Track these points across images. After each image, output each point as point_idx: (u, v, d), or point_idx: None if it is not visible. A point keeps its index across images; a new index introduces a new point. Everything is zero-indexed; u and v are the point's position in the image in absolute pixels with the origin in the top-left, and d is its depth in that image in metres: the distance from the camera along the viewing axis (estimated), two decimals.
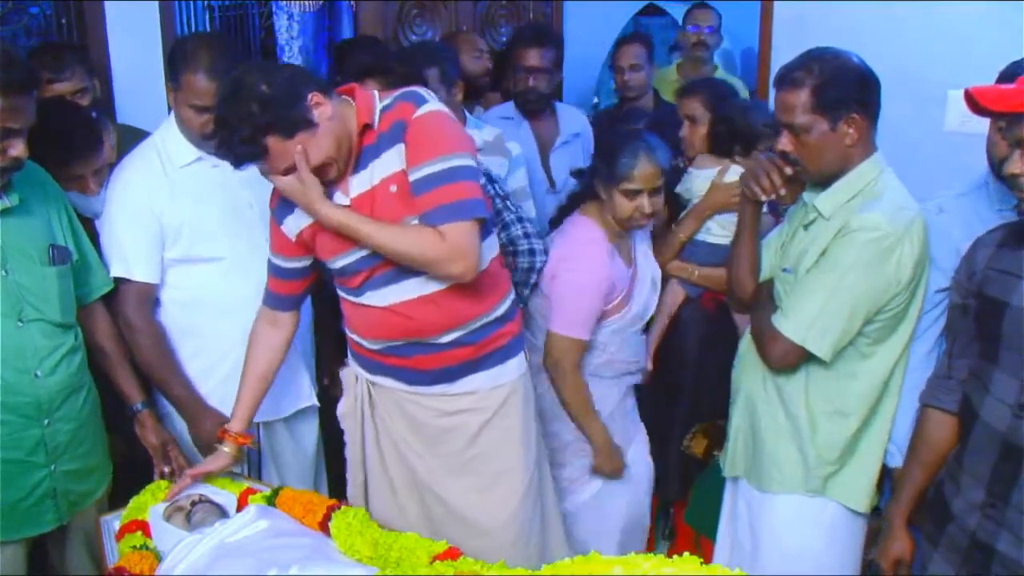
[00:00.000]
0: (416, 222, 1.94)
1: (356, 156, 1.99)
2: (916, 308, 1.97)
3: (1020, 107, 1.60)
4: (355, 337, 2.16)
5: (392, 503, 2.19)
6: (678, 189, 2.82)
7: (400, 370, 2.11)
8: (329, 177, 1.96)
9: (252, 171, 2.36)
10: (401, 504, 2.18)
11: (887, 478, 2.10)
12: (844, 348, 1.96)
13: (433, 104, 1.96)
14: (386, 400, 2.16)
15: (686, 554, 1.45)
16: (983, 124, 1.98)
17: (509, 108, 3.45)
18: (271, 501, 2.04)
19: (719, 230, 2.77)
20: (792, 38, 3.13)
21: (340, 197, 2.00)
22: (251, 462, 2.41)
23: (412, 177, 1.92)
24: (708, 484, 2.61)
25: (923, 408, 1.93)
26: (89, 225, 2.27)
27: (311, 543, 1.88)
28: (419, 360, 2.08)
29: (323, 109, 1.90)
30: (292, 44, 4.03)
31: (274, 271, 2.19)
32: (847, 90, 1.91)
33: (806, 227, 2.04)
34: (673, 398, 2.88)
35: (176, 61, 2.23)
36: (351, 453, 2.27)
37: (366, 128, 1.98)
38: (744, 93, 3.70)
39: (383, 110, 1.98)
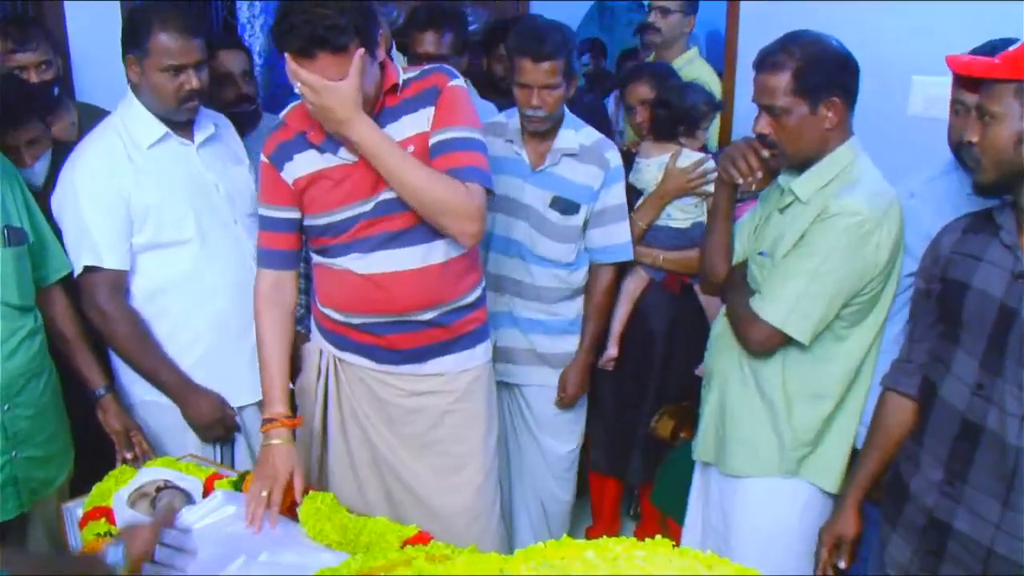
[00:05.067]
0: None
1: (375, 115, 1.96)
2: (890, 292, 1.99)
3: (984, 72, 1.65)
4: (328, 311, 2.12)
5: (353, 482, 2.17)
6: (631, 180, 2.84)
7: (372, 348, 2.10)
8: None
9: (216, 152, 2.34)
10: (361, 484, 2.18)
11: (856, 459, 2.13)
12: (821, 332, 1.97)
13: (462, 79, 2.04)
14: (351, 377, 2.15)
15: (657, 537, 1.46)
16: (946, 109, 2.01)
17: None
18: (238, 486, 2.02)
19: (680, 214, 2.78)
20: (759, 22, 3.15)
21: (344, 154, 1.98)
22: (224, 447, 2.38)
23: (441, 136, 1.96)
24: (675, 466, 2.62)
25: (883, 391, 1.96)
26: (41, 202, 2.19)
27: (280, 529, 1.87)
28: (394, 339, 2.07)
29: (381, 51, 1.92)
30: (254, 23, 3.98)
31: (272, 225, 2.09)
32: (828, 74, 1.92)
33: (782, 211, 2.04)
34: (639, 380, 2.89)
35: (139, 27, 2.16)
36: (303, 430, 2.22)
37: (391, 90, 1.98)
38: (713, 77, 3.69)
39: (411, 79, 2.01)
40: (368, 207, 1.99)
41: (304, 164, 2.01)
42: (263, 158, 2.07)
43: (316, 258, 2.12)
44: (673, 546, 1.42)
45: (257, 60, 3.95)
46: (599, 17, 5.43)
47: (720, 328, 2.18)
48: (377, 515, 1.96)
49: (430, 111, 1.97)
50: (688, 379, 2.71)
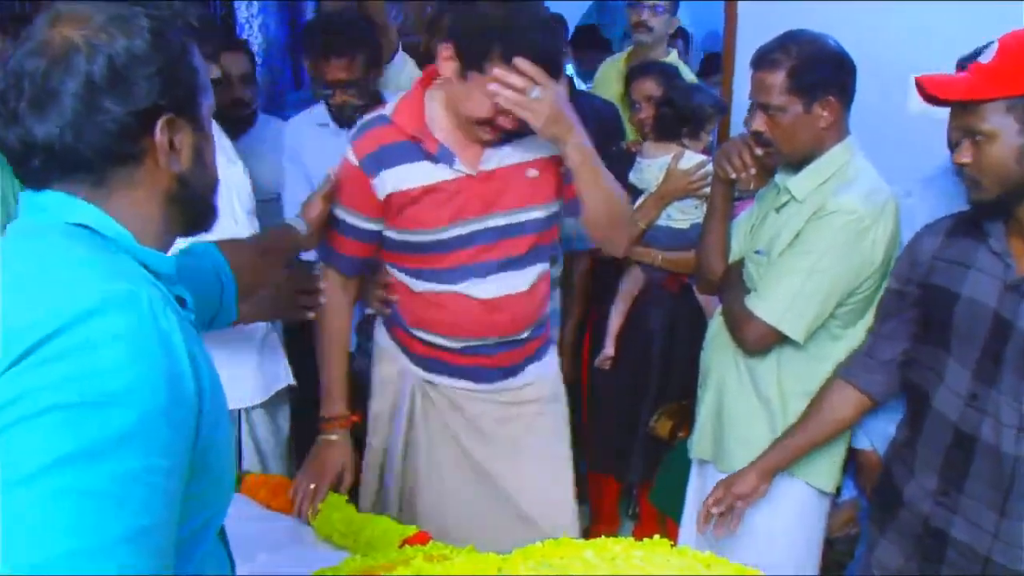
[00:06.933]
0: (540, 213, 1.95)
1: None
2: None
3: (966, 95, 1.61)
4: (424, 335, 2.02)
5: (441, 504, 2.08)
6: (631, 179, 2.83)
7: (475, 369, 2.03)
8: (491, 136, 1.86)
9: (220, 151, 2.32)
10: (452, 505, 2.08)
11: (851, 459, 2.14)
12: (816, 330, 1.98)
13: None
14: (441, 398, 2.06)
15: (656, 537, 1.46)
16: (945, 109, 2.01)
17: (323, 113, 2.79)
18: (236, 487, 2.01)
19: (679, 215, 2.78)
20: (756, 22, 3.14)
21: (461, 167, 1.89)
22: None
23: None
24: (673, 466, 2.62)
25: (834, 379, 1.96)
26: None
27: (280, 528, 1.86)
28: (501, 357, 2.03)
29: None
30: (252, 22, 3.97)
31: (352, 233, 1.97)
32: (823, 73, 1.92)
33: (778, 210, 2.05)
34: (638, 380, 2.89)
35: None
36: (374, 457, 2.14)
37: None
38: (692, 78, 3.67)
39: None
40: (479, 227, 1.91)
41: (415, 175, 1.89)
42: (353, 159, 1.92)
43: (411, 282, 2.00)
44: (672, 546, 1.43)
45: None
46: (598, 16, 5.43)
47: (716, 326, 2.19)
48: (471, 536, 1.80)
49: None
50: (686, 379, 2.71)
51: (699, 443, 2.22)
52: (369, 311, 2.13)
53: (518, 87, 1.72)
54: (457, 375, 2.04)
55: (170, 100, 0.97)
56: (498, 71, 1.72)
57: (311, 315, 2.13)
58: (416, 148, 1.88)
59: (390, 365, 2.10)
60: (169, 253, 1.05)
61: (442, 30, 3.35)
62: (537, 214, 1.96)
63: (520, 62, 1.72)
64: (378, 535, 1.78)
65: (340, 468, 1.97)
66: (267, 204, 2.91)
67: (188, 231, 1.09)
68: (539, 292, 2.03)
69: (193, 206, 1.06)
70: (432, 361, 2.04)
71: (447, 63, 1.80)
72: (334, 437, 2.00)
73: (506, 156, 1.91)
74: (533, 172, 1.92)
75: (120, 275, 0.89)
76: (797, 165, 2.01)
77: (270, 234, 1.77)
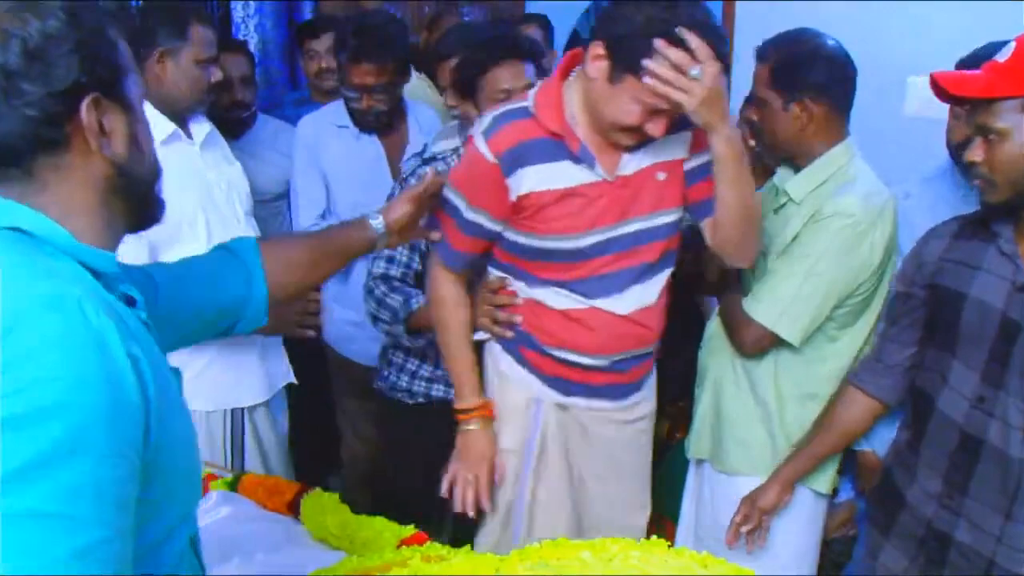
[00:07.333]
0: (671, 217, 1.85)
1: None
2: (882, 293, 1.99)
3: (982, 92, 1.60)
4: (565, 354, 1.90)
5: (564, 516, 1.99)
6: None
7: (612, 387, 1.95)
8: (631, 142, 1.75)
9: (214, 152, 2.32)
10: (569, 518, 2.01)
11: (850, 461, 2.13)
12: (813, 333, 1.98)
13: None
14: (571, 424, 1.96)
15: (653, 537, 1.46)
16: (943, 109, 2.00)
17: (341, 113, 2.78)
18: (233, 487, 2.01)
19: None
20: (754, 22, 3.15)
21: (600, 171, 1.77)
22: (235, 449, 2.36)
23: (697, 162, 1.83)
24: (670, 465, 2.62)
25: (844, 385, 1.96)
26: None
27: (277, 529, 1.86)
28: (637, 371, 1.96)
29: None
30: (248, 22, 3.97)
31: (474, 231, 1.84)
32: (802, 74, 1.91)
33: (776, 211, 2.04)
34: None
35: (177, 19, 2.12)
36: (507, 495, 1.97)
37: None
38: None
39: None
40: (615, 233, 1.81)
41: (555, 176, 1.76)
42: (489, 156, 1.76)
43: (548, 298, 1.88)
44: (669, 546, 1.43)
45: None
46: (594, 19, 5.42)
47: (713, 327, 2.18)
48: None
49: (687, 136, 1.80)
50: (684, 379, 2.70)
51: (697, 443, 2.22)
52: (480, 336, 2.00)
53: (676, 61, 1.58)
54: (595, 395, 1.95)
55: (92, 78, 0.93)
56: (660, 43, 1.58)
57: (311, 333, 2.18)
58: (558, 146, 1.76)
59: (519, 393, 1.96)
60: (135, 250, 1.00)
61: (439, 29, 3.38)
62: (668, 218, 1.86)
63: (685, 33, 1.57)
64: (374, 536, 1.77)
65: (492, 453, 1.91)
66: (266, 204, 2.92)
67: (135, 225, 1.06)
68: (664, 299, 1.94)
69: (135, 196, 1.02)
70: (570, 383, 1.93)
71: (597, 63, 1.67)
72: (475, 427, 1.92)
73: (641, 159, 1.80)
74: (663, 175, 1.82)
75: (47, 276, 0.85)
76: (795, 166, 2.01)
77: (341, 230, 1.69)
